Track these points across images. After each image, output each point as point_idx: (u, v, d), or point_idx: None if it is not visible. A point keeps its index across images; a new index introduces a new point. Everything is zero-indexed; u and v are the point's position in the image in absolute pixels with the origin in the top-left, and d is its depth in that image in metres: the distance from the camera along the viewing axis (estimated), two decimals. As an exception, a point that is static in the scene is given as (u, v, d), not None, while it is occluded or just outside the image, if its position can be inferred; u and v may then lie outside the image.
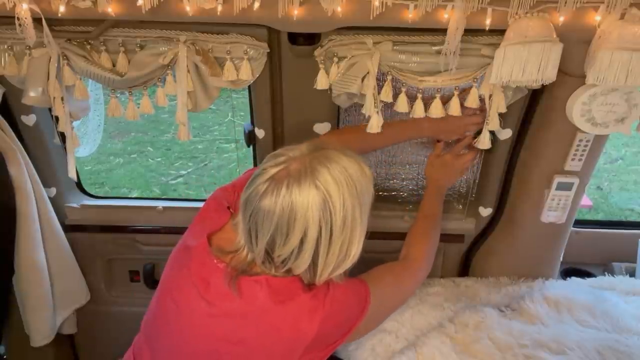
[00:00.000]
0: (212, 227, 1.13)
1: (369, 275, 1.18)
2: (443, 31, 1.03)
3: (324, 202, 0.94)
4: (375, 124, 1.23)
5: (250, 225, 0.99)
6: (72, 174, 1.39)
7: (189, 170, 4.62)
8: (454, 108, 1.23)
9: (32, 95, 1.24)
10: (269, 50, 1.24)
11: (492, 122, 1.24)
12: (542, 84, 1.09)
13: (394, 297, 1.25)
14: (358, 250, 1.02)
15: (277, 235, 0.96)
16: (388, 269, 1.25)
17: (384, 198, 1.70)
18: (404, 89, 1.21)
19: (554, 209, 1.46)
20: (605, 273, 1.74)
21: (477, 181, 1.66)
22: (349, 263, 1.03)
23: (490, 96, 1.21)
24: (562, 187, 1.42)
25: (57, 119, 1.29)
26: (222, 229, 1.13)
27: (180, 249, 1.18)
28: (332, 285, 1.05)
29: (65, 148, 1.38)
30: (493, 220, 1.67)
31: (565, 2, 0.97)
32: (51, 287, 1.67)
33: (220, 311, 1.04)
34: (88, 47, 1.22)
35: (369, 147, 1.47)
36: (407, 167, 1.67)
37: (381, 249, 1.56)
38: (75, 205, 1.77)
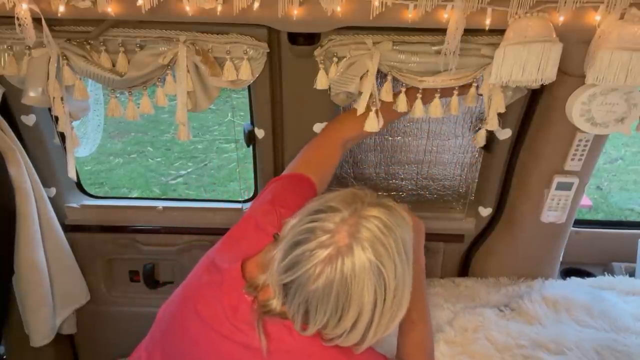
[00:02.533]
0: (249, 251, 1.08)
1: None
2: (443, 31, 1.03)
3: (379, 275, 0.89)
4: (374, 123, 1.23)
5: (300, 310, 0.93)
6: (72, 174, 1.39)
7: (189, 170, 4.62)
8: (454, 108, 1.24)
9: (32, 95, 1.24)
10: (268, 50, 1.24)
11: (492, 122, 1.24)
12: (542, 84, 1.09)
13: None
14: (404, 311, 0.96)
15: (331, 318, 0.91)
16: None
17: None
18: (403, 89, 1.21)
19: (554, 209, 1.46)
20: (605, 273, 1.74)
21: (477, 181, 1.66)
22: (393, 327, 0.97)
23: (490, 96, 1.21)
24: (562, 187, 1.42)
25: (57, 119, 1.29)
26: (258, 254, 1.08)
27: (209, 264, 1.12)
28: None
29: (65, 148, 1.38)
30: (493, 220, 1.67)
31: (565, 2, 0.97)
32: (51, 287, 1.67)
33: (244, 341, 1.01)
34: (88, 47, 1.22)
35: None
36: (407, 167, 1.67)
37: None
38: (75, 205, 1.77)
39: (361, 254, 0.88)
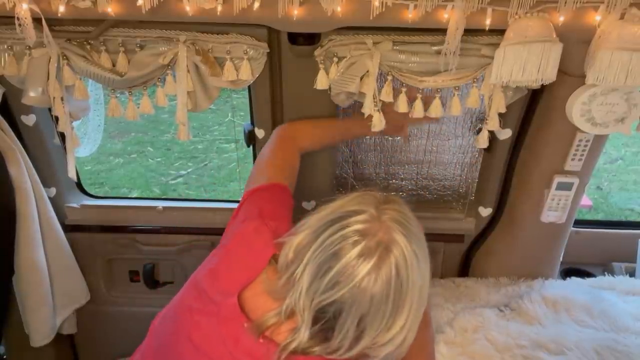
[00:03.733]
0: (243, 279, 0.98)
1: None
2: (443, 31, 1.03)
3: (418, 263, 0.86)
4: (377, 123, 1.23)
5: (352, 326, 0.84)
6: (72, 174, 1.39)
7: (189, 170, 4.62)
8: (454, 108, 1.24)
9: (32, 95, 1.24)
10: (269, 50, 1.24)
11: (492, 122, 1.24)
12: (542, 84, 1.09)
13: None
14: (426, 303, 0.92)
15: (384, 320, 0.84)
16: None
17: (383, 198, 1.70)
18: (403, 89, 1.21)
19: (554, 209, 1.46)
20: (605, 273, 1.74)
21: (477, 181, 1.66)
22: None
23: (490, 96, 1.21)
24: (562, 187, 1.42)
25: (57, 119, 1.29)
26: (255, 280, 0.98)
27: (199, 291, 1.02)
28: None
29: (65, 148, 1.38)
30: (493, 220, 1.67)
31: (565, 2, 0.97)
32: (51, 287, 1.67)
33: None
34: (88, 47, 1.22)
35: (318, 143, 1.41)
36: (406, 166, 1.67)
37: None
38: (75, 205, 1.77)
39: (405, 243, 0.85)
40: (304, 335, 0.88)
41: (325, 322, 0.86)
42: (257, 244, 1.02)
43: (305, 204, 1.62)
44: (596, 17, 1.00)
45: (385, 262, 0.83)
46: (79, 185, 1.83)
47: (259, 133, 1.50)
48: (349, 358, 0.89)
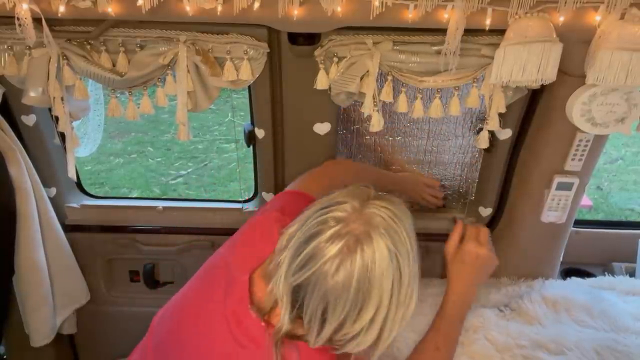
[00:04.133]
0: (255, 261, 1.03)
1: None
2: (443, 31, 1.03)
3: (397, 262, 0.86)
4: (376, 123, 1.23)
5: (317, 310, 0.87)
6: (72, 174, 1.39)
7: (189, 170, 4.62)
8: (454, 108, 1.24)
9: (32, 95, 1.24)
10: (269, 50, 1.24)
11: (492, 122, 1.24)
12: (542, 84, 1.09)
13: None
14: (413, 309, 0.93)
15: (350, 312, 0.86)
16: None
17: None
18: (403, 89, 1.21)
19: (554, 209, 1.46)
20: (605, 273, 1.74)
21: (477, 181, 1.66)
22: (403, 326, 0.93)
23: (491, 96, 1.21)
24: (562, 187, 1.42)
25: (57, 119, 1.29)
26: (262, 264, 1.04)
27: (220, 266, 1.08)
28: None
29: (65, 148, 1.38)
30: (493, 220, 1.67)
31: (565, 2, 0.97)
32: (51, 287, 1.67)
33: (245, 356, 0.97)
34: (88, 47, 1.22)
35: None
36: (406, 167, 1.67)
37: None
38: (75, 205, 1.77)
39: (380, 241, 0.85)
40: (284, 318, 0.91)
41: (300, 305, 0.89)
42: (272, 232, 1.05)
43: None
44: (596, 17, 1.00)
45: (351, 253, 0.84)
46: (79, 185, 1.83)
47: (259, 133, 1.51)
48: (328, 348, 0.92)
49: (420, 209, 1.68)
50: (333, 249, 0.84)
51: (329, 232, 0.85)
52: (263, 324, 0.96)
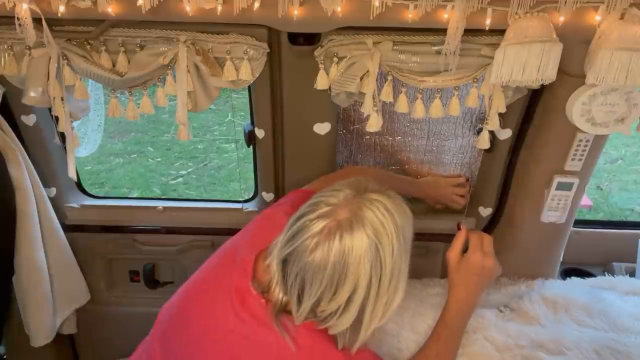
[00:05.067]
0: (263, 245, 1.09)
1: None
2: (443, 31, 1.03)
3: (377, 253, 0.90)
4: (374, 123, 1.23)
5: (296, 283, 0.93)
6: (72, 174, 1.39)
7: (189, 170, 4.62)
8: (454, 108, 1.24)
9: (32, 95, 1.24)
10: (269, 50, 1.24)
11: (492, 122, 1.24)
12: (542, 84, 1.09)
13: None
14: (399, 302, 0.97)
15: (326, 291, 0.91)
16: None
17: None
18: (403, 89, 1.21)
19: (554, 209, 1.46)
20: (605, 273, 1.74)
21: (477, 181, 1.66)
22: (388, 316, 0.97)
23: (490, 96, 1.21)
24: (562, 187, 1.42)
25: (57, 119, 1.29)
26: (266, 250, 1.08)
27: (229, 249, 1.15)
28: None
29: (65, 148, 1.38)
30: (493, 220, 1.67)
31: (565, 2, 0.97)
32: (51, 287, 1.67)
33: (244, 332, 1.01)
34: (88, 47, 1.22)
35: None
36: (406, 166, 1.67)
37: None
38: (75, 205, 1.77)
39: (360, 230, 0.89)
40: (276, 291, 0.99)
41: (285, 276, 0.95)
42: (281, 223, 1.10)
43: None
44: (596, 17, 1.00)
45: (330, 237, 0.89)
46: (79, 185, 1.83)
47: (259, 133, 1.51)
48: (310, 324, 0.97)
49: (444, 209, 1.68)
50: (316, 227, 0.90)
51: (316, 212, 0.92)
52: (263, 300, 1.01)
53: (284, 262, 0.95)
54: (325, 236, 0.89)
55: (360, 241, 0.89)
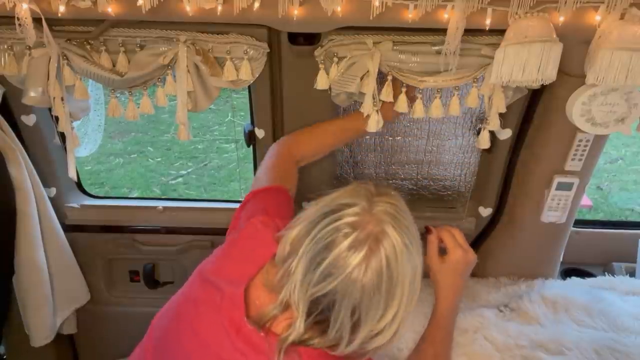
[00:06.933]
0: (250, 270, 1.00)
1: None
2: (443, 31, 1.03)
3: (410, 254, 0.87)
4: (374, 124, 1.23)
5: (347, 316, 0.86)
6: (72, 174, 1.39)
7: (189, 170, 4.62)
8: (454, 108, 1.24)
9: (32, 95, 1.24)
10: (269, 50, 1.24)
11: (492, 122, 1.24)
12: (542, 84, 1.09)
13: None
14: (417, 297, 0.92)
15: (379, 310, 0.86)
16: None
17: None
18: (403, 89, 1.21)
19: (554, 209, 1.46)
20: (605, 273, 1.74)
21: (477, 181, 1.66)
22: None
23: (490, 96, 1.21)
24: (562, 187, 1.42)
25: (57, 119, 1.29)
26: (259, 273, 1.00)
27: (204, 281, 1.04)
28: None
29: (65, 148, 1.38)
30: (493, 220, 1.67)
31: (565, 2, 0.97)
32: (51, 287, 1.67)
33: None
34: (88, 47, 1.22)
35: (316, 151, 1.42)
36: (406, 166, 1.67)
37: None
38: (75, 205, 1.77)
39: (396, 235, 0.86)
40: (300, 327, 0.89)
41: (318, 313, 0.88)
42: (264, 238, 1.04)
43: (305, 205, 1.62)
44: (596, 17, 1.00)
45: (375, 253, 0.84)
46: (79, 185, 1.83)
47: (259, 133, 1.51)
48: (350, 353, 0.90)
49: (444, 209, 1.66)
50: (357, 256, 0.84)
51: (348, 241, 0.85)
52: (262, 333, 0.93)
53: (319, 299, 0.87)
54: (370, 258, 0.84)
55: (398, 246, 0.86)
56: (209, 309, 0.99)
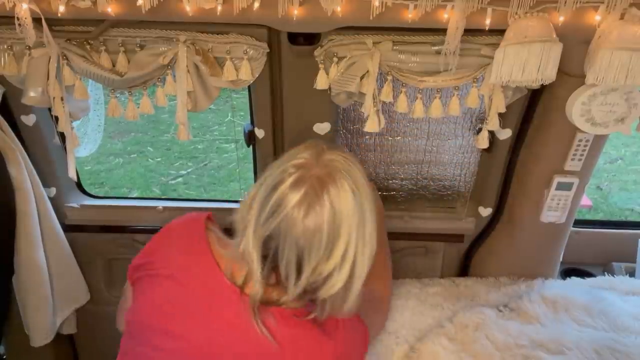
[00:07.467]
0: (202, 245, 1.04)
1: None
2: (443, 31, 1.03)
3: (358, 200, 0.90)
4: (374, 124, 1.23)
5: (292, 255, 0.88)
6: (72, 174, 1.39)
7: (189, 170, 4.62)
8: (454, 108, 1.24)
9: (32, 95, 1.24)
10: (269, 50, 1.24)
11: (492, 122, 1.24)
12: (542, 84, 1.09)
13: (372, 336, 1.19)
14: (375, 247, 0.95)
15: (324, 252, 0.88)
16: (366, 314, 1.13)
17: (383, 198, 1.70)
18: (403, 89, 1.21)
19: (554, 209, 1.46)
20: (605, 273, 1.74)
21: (476, 181, 1.66)
22: (370, 266, 0.94)
23: (490, 96, 1.21)
24: (562, 187, 1.42)
25: (57, 119, 1.29)
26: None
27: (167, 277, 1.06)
28: (341, 322, 0.98)
29: (65, 148, 1.38)
30: (493, 220, 1.67)
31: (565, 2, 0.97)
32: (51, 287, 1.67)
33: (231, 338, 0.96)
34: (88, 47, 1.22)
35: None
36: (406, 166, 1.67)
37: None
38: (75, 205, 1.77)
39: (342, 180, 0.89)
40: (257, 273, 0.92)
41: (271, 259, 0.91)
42: (198, 222, 1.10)
43: None
44: (596, 17, 1.00)
45: (317, 192, 0.88)
46: (79, 185, 1.83)
47: (259, 133, 1.50)
48: (309, 303, 0.94)
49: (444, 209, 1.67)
50: (298, 194, 0.87)
51: (290, 179, 0.88)
52: (238, 294, 0.95)
53: (267, 240, 0.90)
54: (312, 198, 0.87)
55: (345, 192, 0.89)
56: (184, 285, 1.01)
